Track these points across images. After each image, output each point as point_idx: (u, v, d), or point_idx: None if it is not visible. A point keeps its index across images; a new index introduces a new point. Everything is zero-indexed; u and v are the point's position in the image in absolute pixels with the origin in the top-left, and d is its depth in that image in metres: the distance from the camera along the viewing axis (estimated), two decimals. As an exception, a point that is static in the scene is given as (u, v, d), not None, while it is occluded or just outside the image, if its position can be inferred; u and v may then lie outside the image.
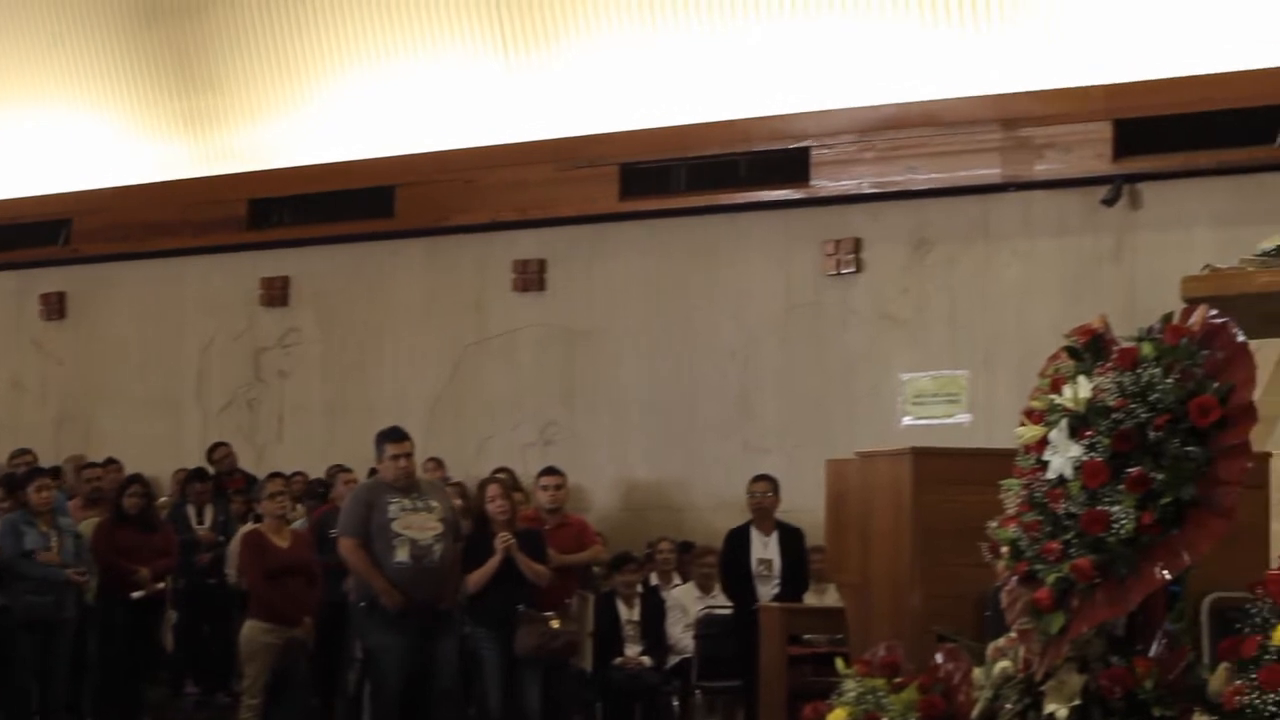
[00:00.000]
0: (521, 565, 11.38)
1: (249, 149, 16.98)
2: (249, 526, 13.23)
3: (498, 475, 12.92)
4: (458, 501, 12.17)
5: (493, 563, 11.37)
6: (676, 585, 13.45)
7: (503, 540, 11.37)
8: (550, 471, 12.84)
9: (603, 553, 13.14)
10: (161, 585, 13.24)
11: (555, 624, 11.60)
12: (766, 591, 12.32)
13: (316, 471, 14.97)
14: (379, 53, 16.36)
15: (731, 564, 12.60)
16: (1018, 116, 13.69)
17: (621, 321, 15.30)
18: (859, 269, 14.43)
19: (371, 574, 10.87)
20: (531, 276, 15.69)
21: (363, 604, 11.00)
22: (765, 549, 12.53)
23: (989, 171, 13.85)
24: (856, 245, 14.42)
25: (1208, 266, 10.96)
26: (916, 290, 14.20)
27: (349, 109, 16.49)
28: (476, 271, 15.95)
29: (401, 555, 10.86)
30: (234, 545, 13.42)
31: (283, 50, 16.74)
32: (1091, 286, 13.28)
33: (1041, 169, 13.70)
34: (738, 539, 12.61)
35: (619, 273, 15.36)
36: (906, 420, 13.97)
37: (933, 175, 14.02)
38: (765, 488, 12.75)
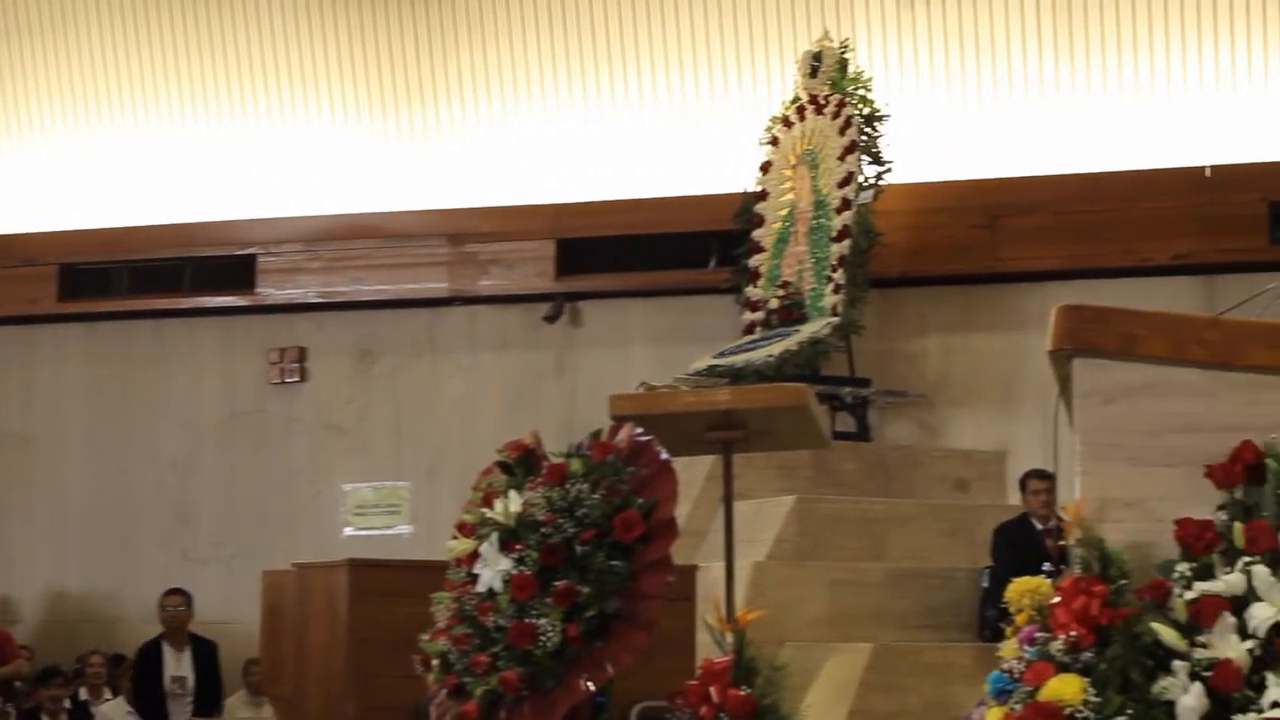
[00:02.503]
0: None
1: None
2: None
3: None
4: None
5: None
6: (107, 700, 13.02)
7: None
8: (-29, 583, 12.34)
9: (26, 667, 12.66)
10: None
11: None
12: (180, 709, 12.00)
13: None
14: None
15: (144, 682, 12.19)
16: (464, 232, 13.91)
17: (58, 426, 14.82)
18: (303, 378, 14.36)
19: None
20: (-39, 378, 15.11)
21: None
22: (179, 666, 12.20)
23: (436, 285, 14.01)
24: (301, 354, 14.36)
25: (642, 384, 11.31)
26: (361, 400, 14.22)
27: None
28: (-99, 372, 15.26)
29: None
30: None
31: None
32: (534, 401, 13.54)
33: (486, 284, 13.94)
34: (150, 655, 12.22)
35: (56, 376, 14.89)
36: (348, 531, 13.94)
37: (379, 286, 14.10)
38: (177, 602, 12.42)
